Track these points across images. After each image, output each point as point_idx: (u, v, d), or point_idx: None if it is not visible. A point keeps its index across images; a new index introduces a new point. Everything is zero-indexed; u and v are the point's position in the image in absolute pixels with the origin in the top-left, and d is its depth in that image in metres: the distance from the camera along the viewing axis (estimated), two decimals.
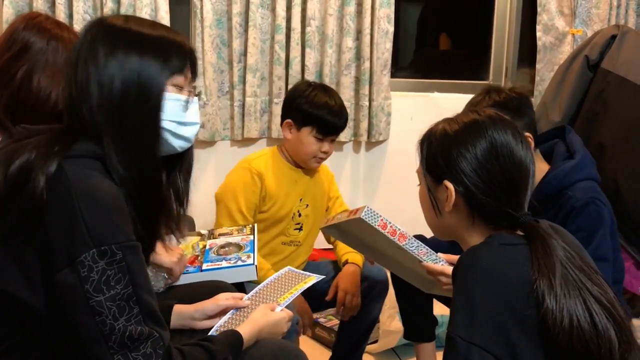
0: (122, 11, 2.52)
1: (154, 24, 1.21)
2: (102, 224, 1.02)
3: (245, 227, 2.04)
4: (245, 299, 1.53)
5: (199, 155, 2.70)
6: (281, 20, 2.69)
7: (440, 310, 2.15)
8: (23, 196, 1.02)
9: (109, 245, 1.01)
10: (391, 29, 2.84)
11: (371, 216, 1.55)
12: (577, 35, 2.94)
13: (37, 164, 1.03)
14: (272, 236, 2.15)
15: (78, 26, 2.38)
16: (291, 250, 2.19)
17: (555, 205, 1.83)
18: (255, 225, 2.04)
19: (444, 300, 2.15)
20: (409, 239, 1.58)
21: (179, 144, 1.20)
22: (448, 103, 3.01)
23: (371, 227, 1.55)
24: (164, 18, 2.53)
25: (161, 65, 1.15)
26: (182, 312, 1.45)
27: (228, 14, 2.68)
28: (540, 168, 1.90)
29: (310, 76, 2.75)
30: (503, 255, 1.12)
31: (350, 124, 2.81)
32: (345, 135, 2.82)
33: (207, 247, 1.90)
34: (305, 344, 2.42)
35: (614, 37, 2.36)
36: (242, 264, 1.78)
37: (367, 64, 2.80)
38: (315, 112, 2.07)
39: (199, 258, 1.82)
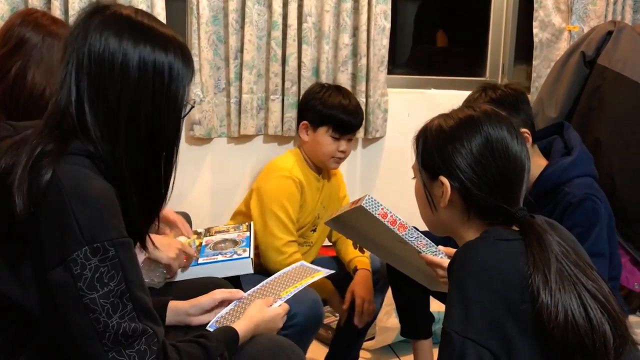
0: None
1: (159, 21, 1.18)
2: (93, 222, 1.01)
3: (241, 224, 2.05)
4: (252, 291, 1.54)
5: (195, 152, 2.73)
6: (277, 17, 2.68)
7: (436, 307, 2.15)
8: (9, 204, 1.01)
9: (101, 242, 1.00)
10: (388, 25, 2.84)
11: (372, 205, 1.55)
12: (573, 32, 2.94)
13: (20, 171, 1.01)
14: None
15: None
16: (304, 251, 2.20)
17: (552, 201, 1.83)
18: (252, 223, 2.04)
19: (441, 298, 2.15)
20: (409, 229, 1.59)
21: None
22: (445, 100, 2.99)
23: (372, 216, 1.55)
24: (160, 14, 2.52)
25: (186, 67, 1.15)
26: (177, 308, 1.45)
27: (224, 11, 2.67)
28: (538, 164, 1.90)
29: (307, 73, 2.75)
30: (498, 250, 1.13)
31: None
32: None
33: (204, 244, 1.90)
34: None
35: (610, 33, 2.36)
36: (237, 257, 1.78)
37: (363, 61, 2.79)
38: (329, 112, 2.11)
39: (195, 255, 1.82)
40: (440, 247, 1.63)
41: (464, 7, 3.63)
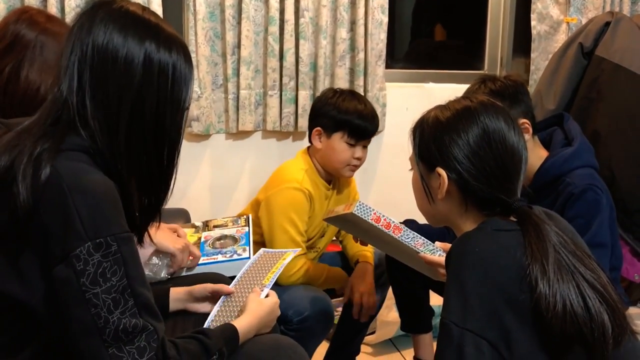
0: None
1: (164, 20, 1.18)
2: (96, 216, 1.00)
3: (239, 218, 2.03)
4: (232, 285, 1.54)
5: (193, 148, 2.73)
6: (274, 12, 2.67)
7: (436, 300, 2.15)
8: (9, 202, 1.00)
9: (104, 237, 1.00)
10: (385, 19, 2.83)
11: (363, 211, 1.55)
12: (571, 24, 2.93)
13: (20, 168, 1.01)
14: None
15: (70, 21, 2.36)
16: (312, 256, 2.18)
17: (554, 192, 1.83)
18: (250, 216, 2.03)
19: (441, 291, 2.15)
20: (404, 231, 1.58)
21: None
22: (443, 93, 2.96)
23: (364, 221, 1.55)
24: (157, 11, 2.51)
25: (189, 68, 1.15)
26: (176, 296, 1.47)
27: (221, 7, 2.67)
28: (539, 155, 1.90)
29: (305, 68, 2.74)
30: (496, 240, 1.12)
31: None
32: None
33: (202, 239, 1.89)
34: None
35: (607, 24, 2.35)
36: (237, 257, 1.78)
37: (361, 55, 2.79)
38: (345, 117, 2.03)
39: (198, 254, 1.81)
40: (437, 243, 1.62)
41: (461, 0, 3.62)
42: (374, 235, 1.71)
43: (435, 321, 2.28)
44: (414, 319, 2.16)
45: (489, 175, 1.19)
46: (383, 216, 1.57)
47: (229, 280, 1.63)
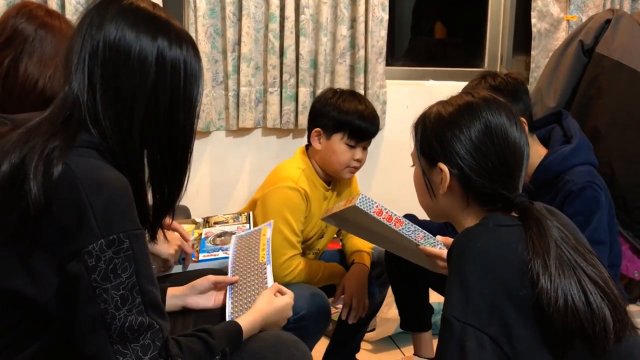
0: None
1: (173, 16, 1.18)
2: (110, 212, 1.00)
3: (240, 215, 2.03)
4: (229, 271, 1.55)
5: (194, 145, 2.72)
6: (275, 9, 2.67)
7: (435, 298, 2.15)
8: (20, 200, 0.99)
9: (117, 234, 1.00)
10: (386, 17, 2.83)
11: (366, 203, 1.54)
12: (572, 22, 2.93)
13: (31, 165, 1.00)
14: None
15: (70, 16, 2.36)
16: (311, 258, 2.16)
17: (553, 190, 1.83)
18: (251, 213, 2.02)
19: (440, 289, 2.15)
20: (405, 224, 1.58)
21: None
22: (443, 91, 2.96)
23: (367, 214, 1.55)
24: None
25: (199, 64, 1.15)
26: (175, 294, 1.46)
27: (221, 3, 2.67)
28: (538, 152, 1.90)
29: (305, 65, 2.74)
30: (498, 236, 1.12)
31: None
32: None
33: (203, 235, 1.89)
34: None
35: (608, 21, 2.35)
36: None
37: (361, 52, 2.79)
38: (345, 117, 1.99)
39: (195, 247, 1.81)
40: (439, 237, 1.62)
41: None
42: (373, 230, 1.71)
43: (435, 319, 2.28)
44: (414, 318, 2.16)
45: (490, 170, 1.19)
46: (385, 209, 1.56)
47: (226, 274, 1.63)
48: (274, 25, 2.68)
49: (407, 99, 2.96)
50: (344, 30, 2.77)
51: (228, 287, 1.49)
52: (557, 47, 2.93)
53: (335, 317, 2.38)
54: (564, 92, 2.37)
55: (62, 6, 2.45)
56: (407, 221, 1.59)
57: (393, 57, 3.23)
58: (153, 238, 1.18)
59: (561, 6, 2.98)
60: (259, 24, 2.71)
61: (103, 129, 1.07)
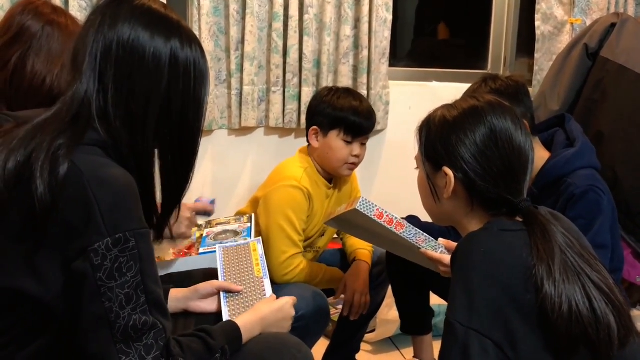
0: None
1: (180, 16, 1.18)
2: (117, 210, 1.00)
3: (242, 216, 2.03)
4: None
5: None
6: (279, 8, 2.67)
7: (435, 300, 2.15)
8: (26, 199, 0.99)
9: (123, 233, 0.99)
10: (389, 17, 2.83)
11: (366, 207, 1.54)
12: (575, 25, 2.92)
13: (37, 163, 0.99)
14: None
15: (74, 13, 2.36)
16: (311, 256, 2.16)
17: (555, 193, 1.83)
18: (253, 215, 2.03)
19: (441, 293, 2.15)
20: (406, 227, 1.57)
21: None
22: (446, 92, 2.97)
23: (367, 217, 1.55)
24: None
25: (206, 63, 1.16)
26: (177, 296, 1.45)
27: (225, 2, 2.66)
28: (541, 156, 1.90)
29: (309, 64, 2.74)
30: (502, 241, 1.12)
31: None
32: None
33: (204, 234, 1.90)
34: None
35: (613, 25, 2.35)
36: (235, 242, 1.77)
37: (365, 53, 2.78)
38: (340, 114, 2.01)
39: (196, 246, 1.81)
40: (440, 239, 1.62)
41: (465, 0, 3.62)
42: (375, 233, 1.71)
43: (436, 321, 2.28)
44: (414, 321, 2.15)
45: (495, 175, 1.18)
46: (386, 212, 1.56)
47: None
48: (278, 25, 2.68)
49: (410, 100, 2.96)
50: (347, 30, 2.76)
51: (221, 295, 1.49)
52: (560, 50, 2.92)
53: (335, 317, 2.38)
54: (567, 96, 2.37)
55: (66, 3, 2.44)
56: (408, 224, 1.58)
57: (395, 57, 3.22)
58: (159, 237, 1.18)
59: (565, 9, 2.98)
60: (262, 23, 2.71)
61: (112, 129, 1.07)
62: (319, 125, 2.03)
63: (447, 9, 3.69)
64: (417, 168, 1.33)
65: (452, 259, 1.16)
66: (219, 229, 1.94)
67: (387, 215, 1.56)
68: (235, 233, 1.89)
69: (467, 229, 1.24)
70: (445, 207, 1.26)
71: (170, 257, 1.78)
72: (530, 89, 1.95)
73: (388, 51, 2.86)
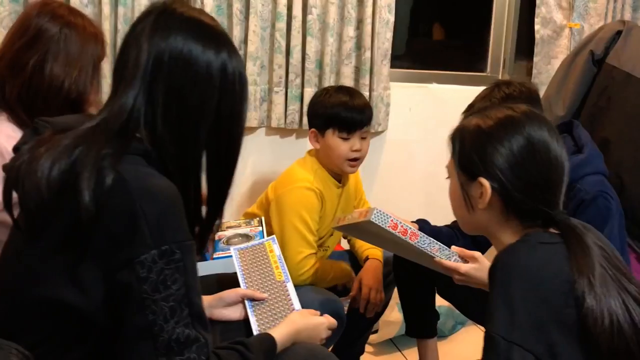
0: None
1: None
2: (163, 222, 0.98)
3: (253, 219, 2.03)
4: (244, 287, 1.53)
5: None
6: (282, 8, 2.65)
7: (439, 302, 2.16)
8: (70, 208, 0.97)
9: (169, 245, 0.98)
10: (392, 18, 2.82)
11: (381, 218, 1.53)
12: (574, 29, 2.95)
13: (83, 173, 0.98)
14: None
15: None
16: (321, 255, 2.17)
17: (565, 199, 1.84)
18: (262, 218, 2.02)
19: (447, 296, 2.16)
20: (420, 237, 1.57)
21: None
22: (446, 94, 3.02)
23: (381, 228, 1.54)
24: None
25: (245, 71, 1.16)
26: None
27: (228, 1, 2.63)
28: None
29: (311, 65, 2.72)
30: (542, 254, 1.12)
31: None
32: None
33: (216, 238, 1.88)
34: None
35: (619, 32, 2.37)
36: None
37: (367, 54, 2.77)
38: (331, 112, 2.03)
39: (210, 251, 1.80)
40: (453, 247, 1.62)
41: (461, 0, 3.62)
42: (386, 239, 1.70)
43: (441, 324, 2.30)
44: (420, 324, 2.16)
45: (532, 186, 1.18)
46: (400, 223, 1.55)
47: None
48: (281, 25, 2.66)
49: (409, 102, 2.96)
50: (350, 31, 2.75)
51: (247, 303, 1.48)
52: (559, 54, 2.95)
53: None
54: (573, 101, 2.39)
55: (67, 1, 2.40)
56: (422, 234, 1.58)
57: (392, 58, 3.22)
58: (202, 250, 1.17)
59: (564, 13, 3.00)
60: (265, 23, 2.69)
61: (158, 140, 1.05)
62: (316, 127, 2.06)
63: (442, 10, 3.70)
64: (448, 177, 1.33)
65: (490, 271, 1.15)
66: (230, 232, 1.92)
67: (402, 226, 1.55)
68: (248, 237, 1.88)
69: (500, 239, 1.24)
70: (479, 217, 1.25)
71: None
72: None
73: (390, 52, 2.85)
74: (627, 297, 1.08)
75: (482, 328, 1.09)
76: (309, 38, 2.70)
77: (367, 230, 1.69)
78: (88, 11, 2.41)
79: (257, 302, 1.49)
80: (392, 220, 1.54)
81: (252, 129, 2.78)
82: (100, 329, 1.02)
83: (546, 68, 2.96)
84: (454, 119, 2.94)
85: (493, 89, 1.95)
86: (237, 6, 2.62)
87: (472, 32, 3.57)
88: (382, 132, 2.92)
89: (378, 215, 1.53)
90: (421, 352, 2.17)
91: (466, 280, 1.63)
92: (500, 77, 3.13)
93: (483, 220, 1.25)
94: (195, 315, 1.02)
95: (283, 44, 2.68)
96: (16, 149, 1.11)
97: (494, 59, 3.16)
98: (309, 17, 2.68)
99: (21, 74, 1.46)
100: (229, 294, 1.46)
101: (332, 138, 2.03)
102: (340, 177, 2.14)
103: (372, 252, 2.17)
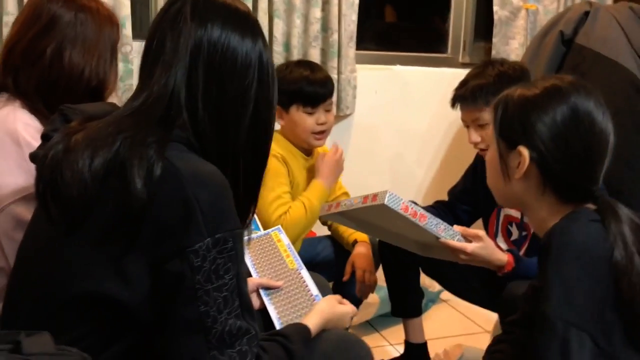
0: None
1: None
2: (216, 210, 0.94)
3: None
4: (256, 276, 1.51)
5: None
6: None
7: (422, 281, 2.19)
8: (116, 198, 0.93)
9: (222, 233, 0.94)
10: (357, 0, 2.80)
11: (394, 201, 1.50)
12: (530, 10, 3.02)
13: (132, 161, 0.93)
14: None
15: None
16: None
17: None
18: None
19: (432, 274, 2.19)
20: (428, 218, 1.55)
21: None
22: (412, 76, 3.03)
23: (393, 211, 1.50)
24: None
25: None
26: None
27: None
28: None
29: (278, 47, 2.67)
30: (593, 232, 1.10)
31: None
32: None
33: None
34: None
35: (586, 13, 2.44)
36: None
37: (335, 36, 2.74)
38: (293, 87, 2.03)
39: None
40: (456, 226, 1.63)
41: None
42: (384, 225, 1.68)
43: (424, 304, 2.32)
44: (406, 304, 2.18)
45: (572, 158, 1.16)
46: (410, 205, 1.53)
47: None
48: (247, 5, 2.58)
49: (375, 84, 2.95)
50: (317, 12, 2.71)
51: (262, 292, 1.46)
52: (516, 35, 3.01)
53: None
54: None
55: None
56: (430, 215, 1.57)
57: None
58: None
59: None
60: None
61: (200, 128, 1.02)
62: (280, 103, 2.02)
63: None
64: (485, 149, 1.30)
65: (541, 249, 1.13)
66: None
67: (412, 209, 1.53)
68: None
69: (536, 213, 1.22)
70: (515, 188, 1.22)
71: None
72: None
73: (355, 35, 2.83)
74: None
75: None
76: (276, 20, 2.65)
77: (366, 216, 1.66)
78: None
79: (272, 292, 1.47)
80: (403, 203, 1.51)
81: None
82: (143, 323, 0.97)
83: (504, 49, 3.02)
84: (419, 101, 2.99)
85: (487, 66, 1.97)
86: None
87: (424, 15, 3.59)
88: (349, 115, 2.90)
89: (392, 199, 1.49)
90: (407, 330, 2.19)
91: (471, 260, 1.64)
92: (460, 59, 3.17)
93: (518, 192, 1.22)
94: (245, 306, 0.99)
95: None
96: (45, 136, 1.03)
97: (454, 40, 3.19)
98: None
99: (38, 64, 1.37)
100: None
101: (297, 113, 2.04)
102: (309, 152, 2.15)
103: (359, 235, 2.16)
